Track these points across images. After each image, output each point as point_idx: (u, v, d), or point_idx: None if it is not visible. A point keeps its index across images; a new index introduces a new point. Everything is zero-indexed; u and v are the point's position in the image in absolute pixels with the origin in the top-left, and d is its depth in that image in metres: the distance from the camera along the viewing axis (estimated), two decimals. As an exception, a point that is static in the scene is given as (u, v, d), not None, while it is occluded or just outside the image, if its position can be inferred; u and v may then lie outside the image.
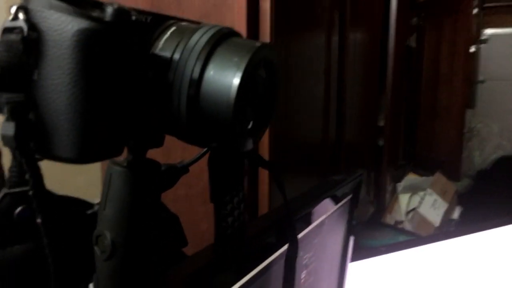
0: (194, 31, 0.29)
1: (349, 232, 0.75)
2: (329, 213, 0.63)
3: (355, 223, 0.78)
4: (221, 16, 0.85)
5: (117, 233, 0.34)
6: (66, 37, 0.23)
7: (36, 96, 0.23)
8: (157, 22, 0.30)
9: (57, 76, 0.23)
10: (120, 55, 0.25)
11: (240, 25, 0.82)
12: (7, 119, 0.22)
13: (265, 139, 0.88)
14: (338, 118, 1.30)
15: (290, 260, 0.47)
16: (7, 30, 0.22)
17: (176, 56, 0.28)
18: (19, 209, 0.24)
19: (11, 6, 0.22)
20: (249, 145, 0.33)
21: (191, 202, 0.98)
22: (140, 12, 0.28)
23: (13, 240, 0.24)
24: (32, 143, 0.24)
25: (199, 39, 0.28)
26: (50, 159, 0.25)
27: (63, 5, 0.23)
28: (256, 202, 0.90)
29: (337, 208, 0.67)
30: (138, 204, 0.34)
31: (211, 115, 0.28)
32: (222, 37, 0.29)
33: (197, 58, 0.27)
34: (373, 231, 1.86)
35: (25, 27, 0.22)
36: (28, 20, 0.22)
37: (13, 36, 0.22)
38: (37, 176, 0.23)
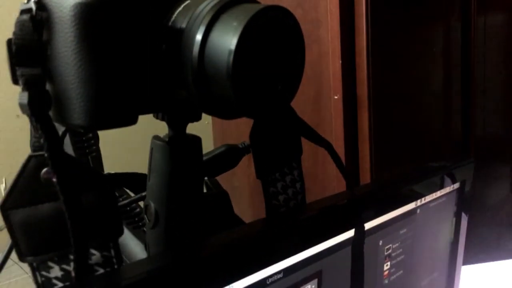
0: (203, 1, 0.29)
1: (457, 229, 0.66)
2: (422, 203, 0.57)
3: (466, 216, 0.68)
4: (315, 2, 0.83)
5: (159, 204, 0.36)
6: (66, 12, 0.25)
7: (51, 69, 0.26)
8: (174, -4, 0.31)
9: (64, 49, 0.26)
10: (126, 27, 0.27)
11: (334, 10, 0.80)
12: (22, 89, 0.25)
13: (365, 128, 0.83)
14: (464, 110, 1.16)
15: (356, 246, 0.44)
16: (22, 11, 0.25)
17: (184, 26, 0.29)
18: (44, 170, 0.27)
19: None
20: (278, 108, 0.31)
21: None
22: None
23: (42, 199, 0.28)
24: (50, 111, 0.27)
25: (205, 7, 0.28)
26: (66, 126, 0.27)
27: (64, -17, 0.25)
28: (358, 177, 0.86)
29: (435, 199, 0.60)
30: (177, 178, 0.36)
31: (216, 83, 0.28)
32: (229, 4, 0.29)
33: (200, 25, 0.28)
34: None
35: (33, 7, 0.25)
36: (38, 1, 0.25)
37: (25, 17, 0.25)
38: (53, 140, 0.26)
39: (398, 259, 0.55)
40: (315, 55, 0.83)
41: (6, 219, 0.27)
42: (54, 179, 0.26)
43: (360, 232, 0.43)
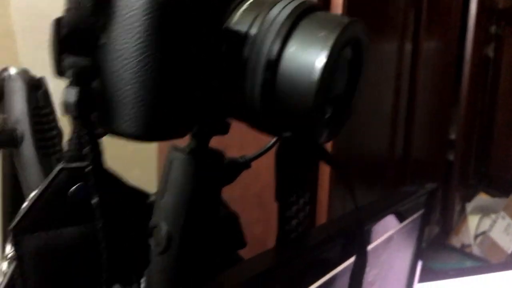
0: (274, 3, 0.26)
1: (418, 252, 0.68)
2: (398, 227, 0.58)
3: (424, 245, 0.72)
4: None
5: (174, 225, 0.31)
6: (139, -3, 0.20)
7: (103, 62, 0.21)
8: (235, -8, 0.27)
9: (126, 40, 0.21)
10: (193, 24, 0.23)
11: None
12: (70, 84, 0.20)
13: (328, 146, 0.83)
14: (407, 128, 1.23)
15: (357, 275, 0.43)
16: (78, -14, 0.20)
17: (253, 30, 0.25)
18: (74, 187, 0.22)
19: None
20: (326, 137, 0.29)
21: (246, 204, 0.95)
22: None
23: (66, 221, 0.22)
24: (94, 114, 0.21)
25: (280, 12, 0.25)
26: (112, 133, 0.22)
27: (138, -39, 0.20)
28: (314, 211, 0.85)
29: (408, 223, 0.61)
30: (198, 195, 0.32)
31: (289, 98, 0.24)
32: (306, 11, 0.25)
33: (277, 34, 0.24)
34: (437, 253, 1.74)
35: (96, -16, 0.20)
36: (100, -23, 0.20)
37: (83, -6, 0.20)
38: (97, 151, 0.21)
39: (375, 286, 0.55)
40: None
41: (17, 246, 0.21)
42: (95, 200, 0.21)
43: (363, 259, 0.42)
